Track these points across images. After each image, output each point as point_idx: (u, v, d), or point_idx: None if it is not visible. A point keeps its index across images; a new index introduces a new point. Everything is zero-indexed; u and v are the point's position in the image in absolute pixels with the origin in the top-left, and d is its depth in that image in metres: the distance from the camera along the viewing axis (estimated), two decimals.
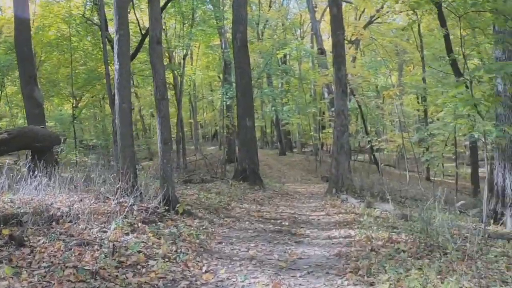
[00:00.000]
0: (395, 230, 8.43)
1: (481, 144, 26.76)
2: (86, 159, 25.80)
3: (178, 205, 8.96)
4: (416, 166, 38.38)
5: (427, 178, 31.01)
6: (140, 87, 45.86)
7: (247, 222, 9.67)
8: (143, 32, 21.73)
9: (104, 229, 7.00)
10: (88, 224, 7.05)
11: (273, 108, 34.46)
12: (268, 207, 12.09)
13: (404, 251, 6.84)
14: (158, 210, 8.62)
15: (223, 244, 7.67)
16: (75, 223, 7.00)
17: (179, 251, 6.65)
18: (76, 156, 23.94)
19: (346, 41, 33.64)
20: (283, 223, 9.80)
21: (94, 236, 6.61)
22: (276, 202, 13.33)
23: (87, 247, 6.09)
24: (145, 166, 38.24)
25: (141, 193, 9.28)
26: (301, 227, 9.34)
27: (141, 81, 43.51)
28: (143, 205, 8.60)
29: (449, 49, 24.12)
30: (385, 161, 35.23)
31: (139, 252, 6.28)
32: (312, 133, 43.14)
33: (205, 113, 56.56)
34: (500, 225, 10.15)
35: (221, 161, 25.88)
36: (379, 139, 28.11)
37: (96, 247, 6.12)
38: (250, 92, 16.82)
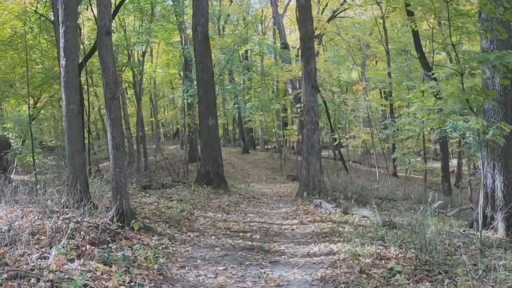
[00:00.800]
0: (381, 243, 7.38)
1: (455, 140, 26.41)
2: (46, 160, 24.67)
3: (133, 221, 7.67)
4: (382, 162, 37.82)
5: (394, 174, 30.40)
6: (100, 86, 44.46)
7: (213, 237, 8.44)
8: None
9: (46, 254, 5.71)
10: (27, 249, 5.74)
11: (235, 105, 33.25)
12: (235, 215, 10.90)
13: (399, 272, 5.79)
14: (110, 227, 7.36)
15: (187, 268, 6.43)
16: (12, 247, 5.70)
17: (133, 282, 5.40)
18: (34, 159, 22.35)
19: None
20: (253, 236, 8.61)
21: (33, 264, 5.31)
22: (244, 209, 12.15)
23: (22, 281, 4.80)
24: (106, 167, 37.05)
25: (93, 204, 8.01)
26: (275, 241, 8.17)
27: (100, 79, 42.15)
28: (93, 221, 7.34)
29: (417, 43, 23.40)
30: (350, 157, 34.52)
31: (85, 286, 5.02)
32: (275, 130, 42.26)
33: (166, 112, 55.20)
34: (491, 229, 9.23)
35: (183, 161, 24.62)
36: (346, 136, 27.20)
37: (32, 280, 4.85)
38: (212, 88, 15.53)
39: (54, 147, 31.75)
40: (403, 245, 7.02)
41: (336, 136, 26.84)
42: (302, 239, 8.46)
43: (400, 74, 27.94)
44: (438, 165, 35.04)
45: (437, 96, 20.05)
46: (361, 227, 8.96)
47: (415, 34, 22.95)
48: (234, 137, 49.32)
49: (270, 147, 46.29)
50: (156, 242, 7.40)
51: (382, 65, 35.71)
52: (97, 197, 9.35)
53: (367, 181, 26.15)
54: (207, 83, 15.04)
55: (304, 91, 13.65)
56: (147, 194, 12.31)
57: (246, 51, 36.17)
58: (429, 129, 20.59)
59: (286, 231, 9.28)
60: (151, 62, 46.69)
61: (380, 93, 35.36)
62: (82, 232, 6.74)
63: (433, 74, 21.84)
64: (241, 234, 8.83)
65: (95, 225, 7.18)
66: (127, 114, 43.02)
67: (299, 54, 14.54)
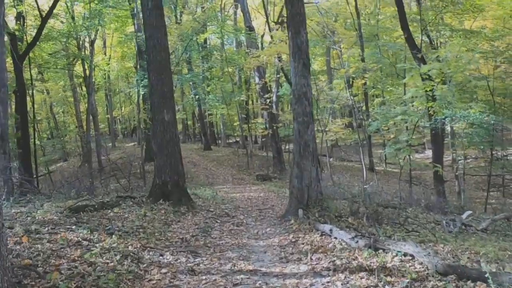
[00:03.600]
0: None
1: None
2: None
3: None
4: (351, 155, 34.17)
5: (371, 168, 26.96)
6: (50, 81, 39.66)
7: None
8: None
9: None
10: None
11: (196, 96, 29.01)
12: (207, 259, 6.75)
13: None
14: None
15: None
16: None
17: None
18: None
19: (273, 22, 28.75)
20: None
21: None
22: (217, 241, 7.99)
23: None
24: (60, 169, 32.31)
25: None
26: None
27: (52, 74, 37.66)
28: None
29: (403, 20, 19.68)
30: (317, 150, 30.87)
31: None
32: (237, 124, 38.23)
33: (123, 108, 50.61)
34: None
35: (140, 163, 20.66)
36: (325, 129, 23.35)
37: None
38: (168, 72, 11.07)
39: None
40: None
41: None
42: None
43: (373, 60, 24.38)
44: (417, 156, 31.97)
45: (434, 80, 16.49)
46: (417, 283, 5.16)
47: (401, 9, 19.25)
48: (194, 133, 44.97)
49: (231, 141, 42.34)
50: None
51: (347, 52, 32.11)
52: None
53: (348, 179, 22.54)
54: (161, 65, 10.80)
55: (293, 71, 9.65)
56: (78, 222, 8.05)
57: (205, 41, 31.95)
58: (423, 119, 16.98)
59: None
60: (104, 54, 42.19)
61: (349, 81, 31.86)
62: None
63: (421, 56, 18.31)
64: None
65: None
66: (79, 111, 38.50)
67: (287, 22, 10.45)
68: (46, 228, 7.17)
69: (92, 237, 6.99)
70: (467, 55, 16.37)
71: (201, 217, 9.97)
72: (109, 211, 9.53)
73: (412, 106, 16.28)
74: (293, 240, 7.63)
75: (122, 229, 7.81)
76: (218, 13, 30.43)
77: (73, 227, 7.51)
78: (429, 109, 16.13)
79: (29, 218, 7.95)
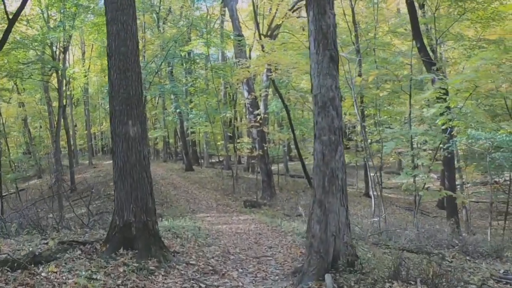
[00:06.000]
0: None
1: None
2: None
3: None
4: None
5: (366, 194, 23.94)
6: (24, 93, 36.36)
7: None
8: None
9: None
10: None
11: (177, 111, 25.61)
12: None
13: None
14: None
15: None
16: None
17: None
18: None
19: (263, 35, 25.63)
20: None
21: None
22: None
23: None
24: (33, 186, 28.67)
25: None
26: None
27: (28, 86, 34.50)
28: None
29: (415, 27, 16.66)
30: (301, 171, 27.77)
31: None
32: (220, 143, 34.89)
33: (105, 123, 47.23)
34: None
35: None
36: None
37: None
38: (135, 69, 7.52)
39: None
40: None
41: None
42: None
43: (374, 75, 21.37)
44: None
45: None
46: None
47: (413, 16, 16.27)
48: (176, 151, 41.43)
49: (214, 161, 38.94)
50: None
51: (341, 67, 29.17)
52: None
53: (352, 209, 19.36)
54: (127, 59, 7.41)
55: (314, 68, 6.43)
56: None
57: (189, 53, 28.77)
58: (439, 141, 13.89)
59: None
60: (83, 66, 38.93)
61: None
62: None
63: (437, 68, 15.24)
64: None
65: None
66: (54, 125, 34.95)
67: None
68: None
69: None
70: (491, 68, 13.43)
71: (177, 277, 6.58)
72: (41, 269, 6.16)
73: (431, 125, 13.20)
74: None
75: None
76: (204, 23, 27.31)
77: None
78: (453, 128, 13.12)
79: None
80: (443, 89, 13.07)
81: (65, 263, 6.50)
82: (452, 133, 13.07)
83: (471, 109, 11.93)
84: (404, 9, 32.78)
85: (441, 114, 12.90)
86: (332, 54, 6.36)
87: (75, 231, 10.06)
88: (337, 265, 6.12)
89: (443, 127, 12.64)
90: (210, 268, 7.29)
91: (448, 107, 12.99)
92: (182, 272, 6.87)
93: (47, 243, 7.66)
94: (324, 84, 6.30)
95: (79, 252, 7.16)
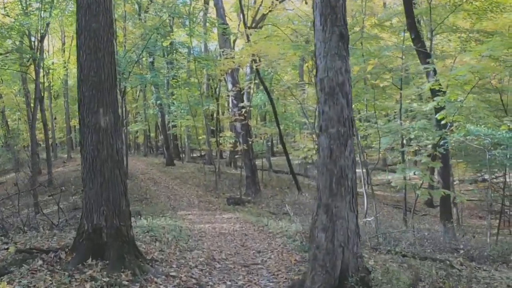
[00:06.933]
0: None
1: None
2: None
3: None
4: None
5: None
6: (2, 84, 34.74)
7: None
8: None
9: None
10: None
11: (158, 102, 24.34)
12: None
13: None
14: None
15: None
16: None
17: None
18: None
19: (249, 27, 24.50)
20: None
21: None
22: None
23: None
24: (9, 180, 27.17)
25: None
26: None
27: (7, 77, 32.91)
28: None
29: (409, 14, 15.71)
30: (284, 167, 26.76)
31: None
32: (202, 137, 33.66)
33: None
34: None
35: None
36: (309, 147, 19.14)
37: None
38: (108, 49, 6.33)
39: None
40: None
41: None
42: None
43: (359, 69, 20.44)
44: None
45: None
46: None
47: (408, 3, 15.27)
48: (156, 145, 40.08)
49: (196, 155, 37.69)
50: None
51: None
52: None
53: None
54: (98, 37, 6.26)
55: (320, 48, 5.35)
56: None
57: (171, 44, 27.47)
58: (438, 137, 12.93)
59: None
60: (62, 56, 37.44)
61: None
62: None
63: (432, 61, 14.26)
64: None
65: None
66: (31, 118, 33.39)
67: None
68: None
69: None
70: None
71: None
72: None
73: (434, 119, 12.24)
74: None
75: None
76: (187, 10, 25.97)
77: None
78: (452, 124, 12.20)
79: None
80: (438, 85, 12.14)
81: (22, 277, 5.36)
82: (451, 128, 12.14)
83: (474, 103, 11.00)
84: (390, 3, 32.07)
85: (440, 109, 11.98)
86: (342, 31, 5.30)
87: (43, 233, 8.85)
88: (345, 283, 5.08)
89: (443, 122, 11.69)
90: (194, 281, 6.19)
91: (448, 101, 12.08)
92: (161, 287, 5.76)
93: (7, 249, 6.47)
94: (332, 67, 5.23)
95: (40, 262, 6.00)
